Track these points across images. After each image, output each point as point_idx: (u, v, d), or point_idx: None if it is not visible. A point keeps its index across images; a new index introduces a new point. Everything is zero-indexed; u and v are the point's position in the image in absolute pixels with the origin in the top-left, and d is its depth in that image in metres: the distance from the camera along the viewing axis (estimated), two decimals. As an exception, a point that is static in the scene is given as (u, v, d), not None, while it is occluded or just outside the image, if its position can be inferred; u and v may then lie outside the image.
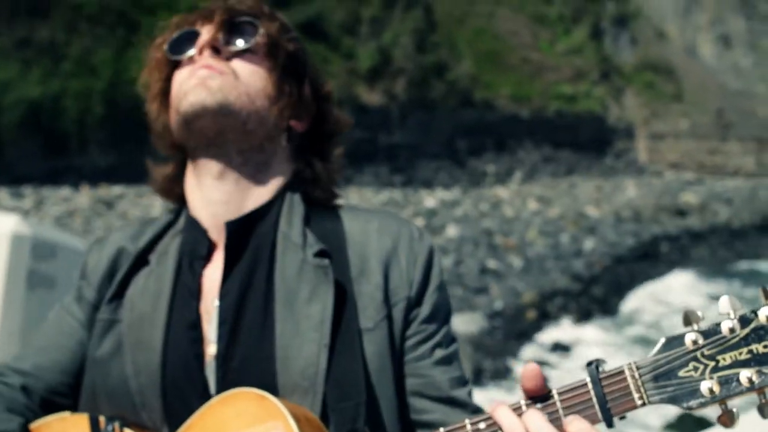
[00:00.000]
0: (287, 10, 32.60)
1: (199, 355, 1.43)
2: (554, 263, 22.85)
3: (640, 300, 21.21)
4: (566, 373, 14.85)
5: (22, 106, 23.39)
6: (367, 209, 1.62)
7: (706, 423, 11.67)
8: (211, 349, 1.42)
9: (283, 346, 1.39)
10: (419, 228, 1.58)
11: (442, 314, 1.52)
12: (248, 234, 1.48)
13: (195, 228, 1.51)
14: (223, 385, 1.39)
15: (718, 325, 1.15)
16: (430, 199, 29.34)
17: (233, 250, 1.47)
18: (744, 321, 1.14)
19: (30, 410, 1.51)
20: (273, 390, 1.35)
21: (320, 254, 1.45)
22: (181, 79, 1.49)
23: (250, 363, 1.40)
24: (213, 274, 1.48)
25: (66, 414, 1.49)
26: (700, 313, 1.17)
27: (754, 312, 1.14)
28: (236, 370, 1.40)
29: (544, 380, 1.21)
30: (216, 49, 1.49)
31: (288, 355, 1.38)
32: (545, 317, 18.57)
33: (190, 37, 1.51)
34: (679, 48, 55.12)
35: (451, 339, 1.53)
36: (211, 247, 1.51)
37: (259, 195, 1.51)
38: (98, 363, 1.48)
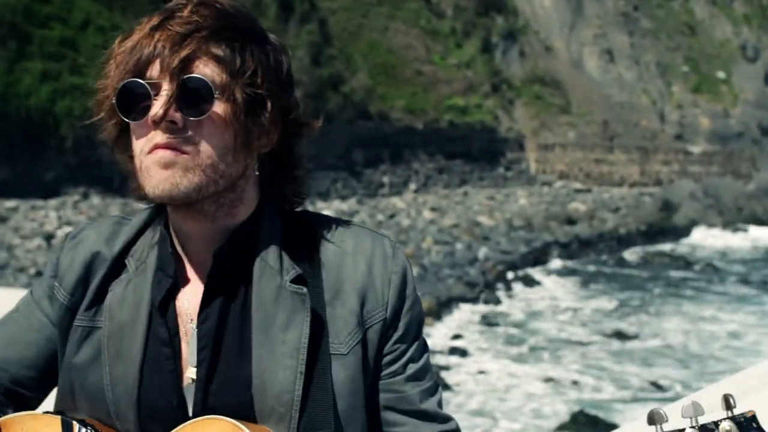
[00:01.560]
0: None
1: (174, 371, 1.44)
2: (450, 271, 23.27)
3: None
4: (465, 376, 15.26)
5: None
6: (340, 225, 1.56)
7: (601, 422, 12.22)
8: (189, 371, 1.44)
9: (259, 371, 1.39)
10: (393, 243, 1.55)
11: (414, 330, 1.52)
12: (231, 259, 1.45)
13: (166, 245, 1.49)
14: (202, 408, 1.42)
15: (682, 430, 1.16)
16: (327, 210, 29.45)
17: (216, 277, 1.45)
18: (705, 430, 1.15)
19: None
20: (249, 414, 1.39)
21: (297, 280, 1.44)
22: (139, 148, 1.39)
23: (228, 387, 1.41)
24: (188, 294, 1.48)
25: (38, 412, 1.49)
26: (663, 413, 1.16)
27: (716, 424, 1.15)
28: (214, 393, 1.42)
29: None
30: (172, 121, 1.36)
31: (264, 381, 1.39)
32: (442, 323, 18.98)
33: (141, 93, 1.37)
34: (566, 62, 56.19)
35: (422, 351, 1.54)
36: (178, 266, 1.49)
37: (237, 221, 1.46)
38: (76, 368, 1.48)
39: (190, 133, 1.37)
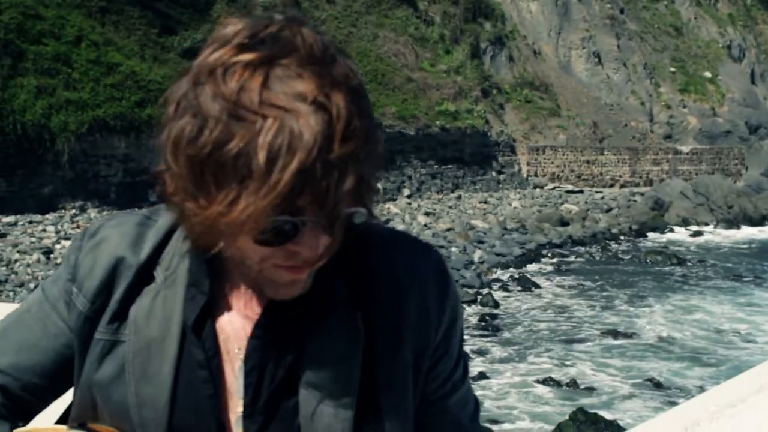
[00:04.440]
0: (174, 37, 32.12)
1: (213, 396, 1.32)
2: (446, 275, 23.41)
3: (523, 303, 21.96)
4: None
5: None
6: (385, 236, 1.41)
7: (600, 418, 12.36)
8: (232, 398, 1.33)
9: (307, 404, 1.30)
10: (441, 258, 1.43)
11: (459, 349, 1.45)
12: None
13: (199, 256, 1.33)
14: None
15: None
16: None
17: (273, 306, 1.31)
18: None
19: (7, 409, 1.44)
20: None
21: (350, 308, 1.31)
22: (263, 256, 1.19)
23: (276, 421, 1.32)
24: (227, 314, 1.35)
25: (62, 427, 1.40)
26: None
27: None
28: (260, 423, 1.33)
29: None
30: None
31: (313, 413, 1.30)
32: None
33: (286, 232, 1.15)
34: (555, 65, 56.42)
35: (464, 369, 1.47)
36: (214, 281, 1.34)
37: None
38: (97, 384, 1.35)
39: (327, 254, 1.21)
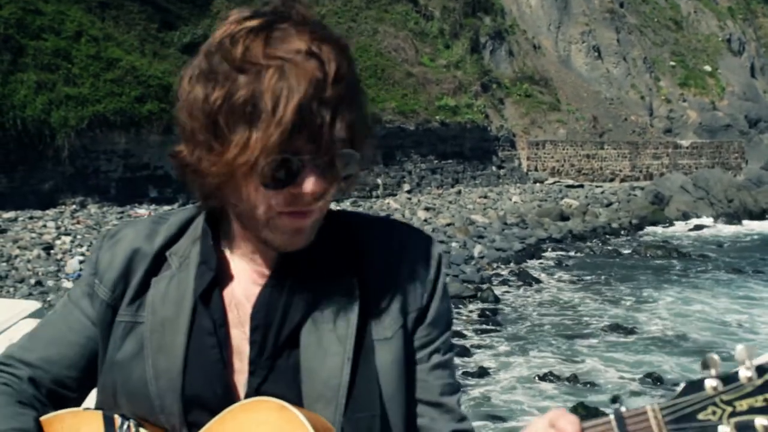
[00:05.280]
0: (173, 32, 32.06)
1: (219, 360, 1.45)
2: (446, 269, 23.37)
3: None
4: (464, 374, 15.37)
5: None
6: (379, 220, 1.61)
7: None
8: (238, 359, 1.46)
9: (307, 357, 1.42)
10: (428, 235, 1.59)
11: (444, 321, 1.55)
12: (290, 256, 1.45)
13: (207, 239, 1.50)
14: (255, 394, 1.44)
15: (736, 372, 1.16)
16: (323, 213, 29.44)
17: (275, 273, 1.47)
18: (760, 371, 1.15)
19: (39, 402, 1.54)
20: (297, 398, 1.41)
21: (346, 271, 1.47)
22: (267, 204, 1.34)
23: (278, 373, 1.44)
24: (234, 284, 1.49)
25: (79, 409, 1.52)
26: (717, 358, 1.17)
27: None
28: (263, 377, 1.44)
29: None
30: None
31: (312, 367, 1.42)
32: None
33: (290, 170, 1.31)
34: (554, 59, 56.37)
35: (449, 347, 1.56)
36: (221, 258, 1.50)
37: None
38: (119, 365, 1.48)
39: (329, 193, 1.36)
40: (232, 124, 1.29)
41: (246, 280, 1.49)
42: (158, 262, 1.53)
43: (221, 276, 1.49)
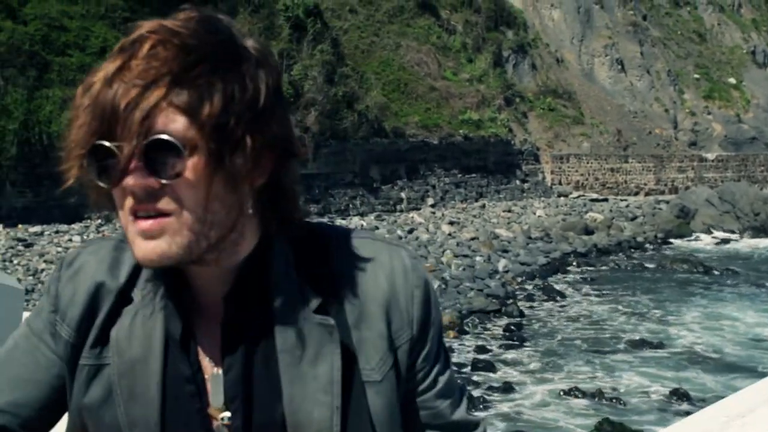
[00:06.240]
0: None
1: (201, 410, 1.34)
2: (470, 284, 23.32)
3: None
4: (490, 389, 15.30)
5: (-66, 148, 23.07)
6: (353, 238, 1.44)
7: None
8: (216, 412, 1.34)
9: (292, 411, 1.31)
10: (410, 253, 1.46)
11: (438, 342, 1.46)
12: (244, 300, 1.33)
13: (173, 275, 1.35)
14: None
15: None
16: (346, 228, 29.42)
17: (232, 322, 1.33)
18: None
19: None
20: None
21: (320, 309, 1.34)
22: (122, 212, 1.24)
23: (260, 426, 1.33)
24: (204, 330, 1.36)
25: None
26: None
27: None
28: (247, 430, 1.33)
29: None
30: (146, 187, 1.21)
31: (299, 420, 1.31)
32: (464, 337, 19.06)
33: (109, 157, 1.20)
34: (578, 73, 56.30)
35: (446, 362, 1.49)
36: (189, 299, 1.36)
37: (242, 256, 1.32)
38: (87, 409, 1.37)
39: (168, 193, 1.20)
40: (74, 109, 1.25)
41: (210, 324, 1.35)
42: (123, 298, 1.38)
43: (190, 317, 1.35)
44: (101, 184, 1.21)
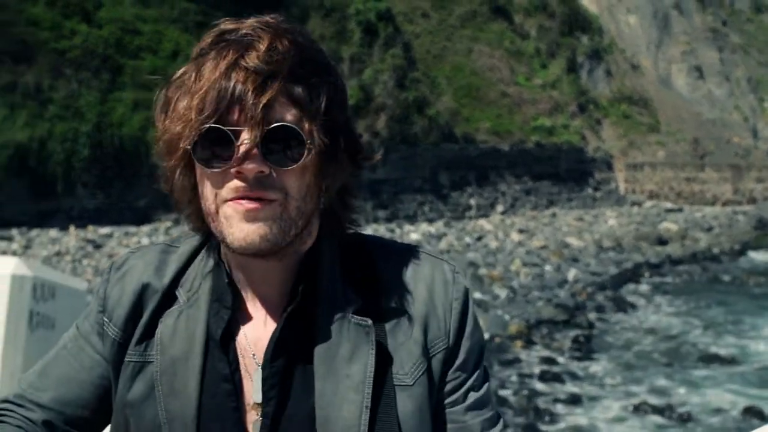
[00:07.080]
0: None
1: (237, 409, 1.40)
2: (539, 293, 23.05)
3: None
4: (557, 401, 15.08)
5: (8, 149, 23.50)
6: (398, 249, 1.51)
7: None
8: (252, 408, 1.40)
9: (322, 406, 1.35)
10: (452, 268, 1.50)
11: (475, 358, 1.49)
12: (302, 296, 1.39)
13: (221, 274, 1.44)
14: None
15: None
16: (414, 234, 29.46)
17: (292, 316, 1.39)
18: None
19: None
20: None
21: (360, 311, 1.39)
22: (214, 194, 1.33)
23: (294, 423, 1.37)
24: (248, 327, 1.43)
25: None
26: None
27: None
28: (280, 430, 1.38)
29: None
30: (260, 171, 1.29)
31: (329, 416, 1.35)
32: (533, 347, 18.80)
33: (224, 141, 1.28)
34: (654, 79, 55.60)
35: (483, 379, 1.50)
36: (235, 297, 1.43)
37: (302, 253, 1.41)
38: (130, 405, 1.43)
39: (276, 181, 1.29)
40: (174, 100, 1.35)
41: (255, 322, 1.43)
42: (168, 297, 1.46)
43: (235, 315, 1.42)
44: (206, 168, 1.30)
